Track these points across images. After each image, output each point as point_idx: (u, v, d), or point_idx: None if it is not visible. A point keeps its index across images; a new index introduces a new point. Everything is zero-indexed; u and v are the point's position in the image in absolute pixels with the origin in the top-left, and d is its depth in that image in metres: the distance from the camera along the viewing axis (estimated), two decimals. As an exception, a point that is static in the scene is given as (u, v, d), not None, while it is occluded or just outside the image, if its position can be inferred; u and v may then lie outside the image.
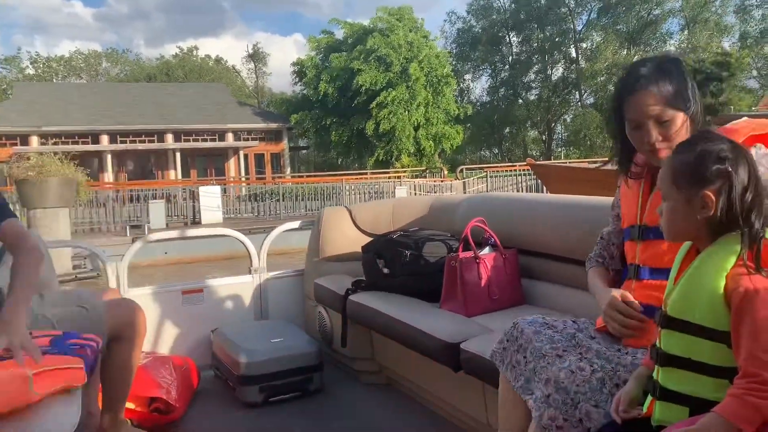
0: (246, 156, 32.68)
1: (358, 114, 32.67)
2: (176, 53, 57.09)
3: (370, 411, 2.90)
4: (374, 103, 31.42)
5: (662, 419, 1.30)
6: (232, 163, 32.07)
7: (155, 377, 2.77)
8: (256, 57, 57.35)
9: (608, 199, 2.09)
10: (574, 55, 45.41)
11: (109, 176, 28.89)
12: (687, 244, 1.38)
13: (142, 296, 3.26)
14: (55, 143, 25.23)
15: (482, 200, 3.37)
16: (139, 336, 2.34)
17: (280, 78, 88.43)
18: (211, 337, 3.34)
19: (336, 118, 33.49)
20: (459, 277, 2.61)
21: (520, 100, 46.70)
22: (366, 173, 28.70)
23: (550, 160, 35.33)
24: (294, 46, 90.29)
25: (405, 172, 27.52)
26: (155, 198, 18.30)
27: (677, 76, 1.63)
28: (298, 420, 2.81)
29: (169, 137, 30.75)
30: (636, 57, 37.76)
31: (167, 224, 16.99)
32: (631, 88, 1.63)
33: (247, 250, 3.60)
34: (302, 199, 20.92)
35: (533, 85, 47.07)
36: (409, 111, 32.26)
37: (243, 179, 30.25)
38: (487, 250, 2.71)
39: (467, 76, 48.64)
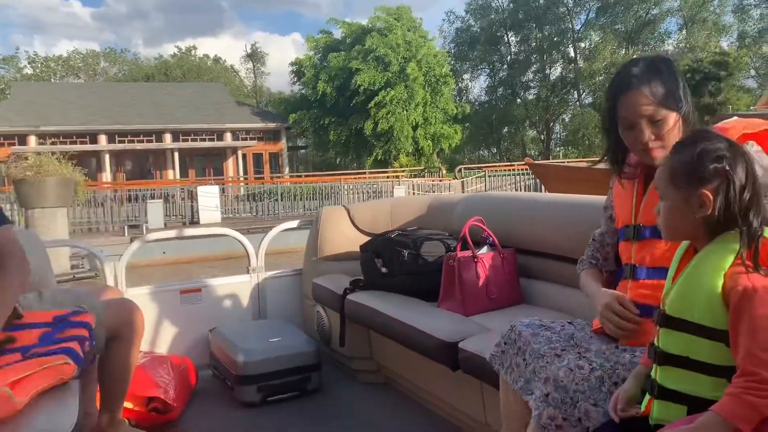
0: (244, 156, 32.67)
1: (356, 114, 32.67)
2: (174, 53, 57.19)
3: (368, 410, 2.90)
4: (372, 102, 31.44)
5: (660, 418, 1.30)
6: (230, 163, 32.06)
7: (153, 377, 2.77)
8: (254, 57, 57.39)
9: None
10: (572, 54, 45.49)
11: (107, 176, 28.88)
12: (685, 243, 1.38)
13: (141, 296, 3.26)
14: (53, 143, 25.24)
15: (480, 200, 3.37)
16: (137, 335, 2.34)
17: (279, 78, 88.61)
18: (209, 337, 3.33)
19: (334, 117, 33.49)
20: (457, 277, 2.61)
21: (519, 100, 46.74)
22: (364, 173, 28.71)
23: (549, 159, 35.34)
24: (292, 46, 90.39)
25: (403, 171, 27.53)
26: (153, 198, 18.31)
27: (669, 76, 1.64)
28: (296, 419, 2.80)
29: (168, 137, 30.74)
30: (634, 56, 37.79)
31: (165, 224, 16.97)
32: (624, 87, 1.64)
33: (246, 250, 3.59)
34: (300, 199, 20.93)
35: (532, 84, 47.15)
36: (407, 111, 32.27)
37: (241, 179, 30.25)
38: (485, 249, 2.72)
39: (465, 76, 48.73)
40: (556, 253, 2.58)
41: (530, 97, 47.01)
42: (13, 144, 27.99)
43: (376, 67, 31.72)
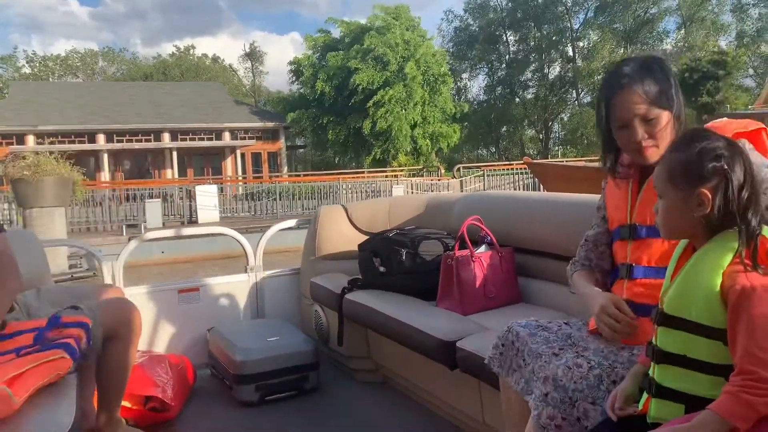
0: (243, 155, 32.65)
1: (355, 113, 32.65)
2: (173, 52, 57.13)
3: (366, 409, 2.90)
4: (371, 102, 31.41)
5: (658, 416, 1.30)
6: (229, 162, 32.04)
7: (151, 376, 2.77)
8: (252, 56, 57.34)
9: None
10: (571, 53, 45.48)
11: (105, 175, 28.85)
12: (683, 242, 1.38)
13: (139, 295, 3.25)
14: (51, 142, 25.15)
15: (478, 199, 3.37)
16: (135, 335, 2.34)
17: (277, 77, 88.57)
18: (208, 336, 3.33)
19: (333, 117, 33.46)
20: (455, 276, 2.61)
21: (517, 99, 46.74)
22: (363, 172, 28.71)
23: (547, 158, 35.33)
24: (291, 45, 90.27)
25: (402, 171, 27.51)
26: (152, 197, 18.28)
27: (661, 75, 1.64)
28: (294, 419, 2.80)
29: (166, 136, 30.71)
30: (634, 55, 37.77)
31: (164, 223, 16.97)
32: (616, 87, 1.64)
33: (244, 249, 3.59)
34: (299, 198, 20.92)
35: (530, 83, 47.14)
36: (405, 110, 32.26)
37: (240, 178, 30.23)
38: (483, 248, 2.71)
39: (464, 75, 48.72)
40: (555, 252, 2.58)
41: (529, 96, 47.00)
42: (11, 143, 27.95)
43: (375, 67, 31.69)
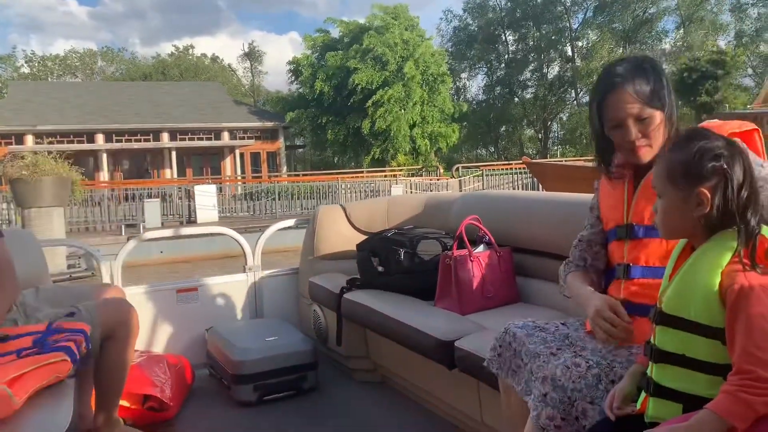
0: (242, 155, 32.65)
1: (354, 113, 32.65)
2: (172, 52, 57.03)
3: (364, 409, 2.90)
4: (370, 101, 31.41)
5: (655, 416, 1.30)
6: (228, 162, 32.04)
7: (149, 376, 2.77)
8: (251, 56, 57.31)
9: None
10: (570, 53, 45.48)
11: (104, 175, 28.83)
12: (682, 242, 1.38)
13: (137, 295, 3.25)
14: (50, 142, 25.06)
15: (477, 198, 3.37)
16: (132, 335, 2.34)
17: (276, 77, 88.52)
18: (206, 336, 3.33)
19: (332, 116, 33.46)
20: (453, 275, 2.61)
21: (516, 99, 46.74)
22: (362, 172, 28.69)
23: (546, 158, 35.34)
24: (290, 45, 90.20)
25: (401, 170, 27.51)
26: (150, 197, 18.27)
27: (654, 75, 1.64)
28: (292, 419, 2.80)
29: (165, 136, 30.69)
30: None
31: (163, 223, 16.96)
32: (610, 87, 1.65)
33: (242, 249, 3.59)
34: (298, 198, 20.92)
35: (529, 83, 47.14)
36: (405, 110, 32.26)
37: (239, 178, 30.22)
38: (481, 248, 2.71)
39: (463, 75, 48.72)
40: (553, 251, 2.58)
41: (528, 96, 47.01)
42: (10, 143, 27.94)
43: (374, 66, 31.69)
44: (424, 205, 3.58)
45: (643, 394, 1.35)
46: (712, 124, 1.66)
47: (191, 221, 18.05)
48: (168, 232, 5.68)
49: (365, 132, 32.29)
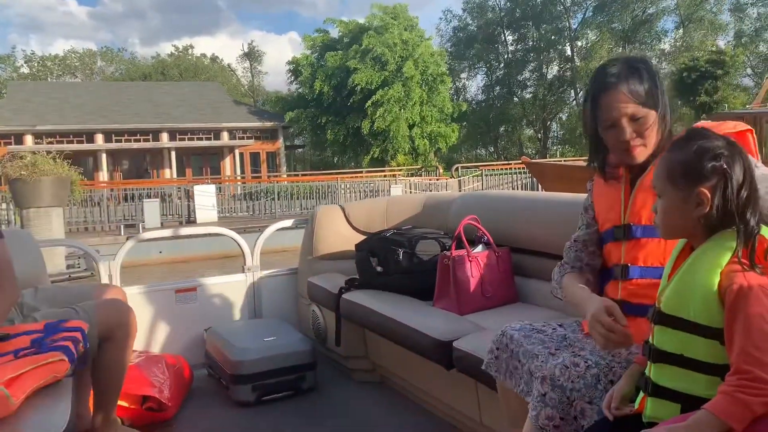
0: (241, 155, 32.63)
1: (353, 113, 32.65)
2: (172, 52, 56.97)
3: (363, 409, 2.89)
4: (370, 101, 31.40)
5: (653, 416, 1.30)
6: (227, 162, 32.03)
7: (148, 376, 2.77)
8: (251, 56, 57.30)
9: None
10: (569, 53, 45.49)
11: (104, 175, 28.82)
12: (682, 242, 1.38)
13: (136, 295, 3.25)
14: (49, 142, 25.18)
15: (475, 198, 3.37)
16: (131, 336, 2.34)
17: (276, 77, 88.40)
18: (205, 336, 3.32)
19: (332, 116, 33.46)
20: (452, 275, 2.61)
21: (516, 99, 46.75)
22: (361, 172, 28.67)
23: (546, 158, 35.35)
24: (289, 45, 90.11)
25: (400, 170, 27.50)
26: (150, 197, 18.26)
27: (647, 75, 1.64)
28: (291, 419, 2.80)
29: (165, 136, 30.68)
30: (631, 53, 37.83)
31: (162, 223, 16.95)
32: (603, 87, 1.64)
33: (241, 249, 3.59)
34: (297, 198, 20.90)
35: (528, 83, 47.16)
36: (404, 110, 32.26)
37: (238, 178, 30.21)
38: (480, 248, 2.71)
39: (463, 75, 48.72)
40: (552, 251, 2.57)
41: (527, 95, 47.01)
42: (10, 143, 27.92)
43: (373, 66, 31.69)
44: (422, 205, 3.58)
45: (641, 394, 1.35)
46: (706, 125, 1.66)
47: (190, 221, 18.04)
48: (167, 233, 5.67)
49: (365, 132, 32.29)
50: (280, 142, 34.18)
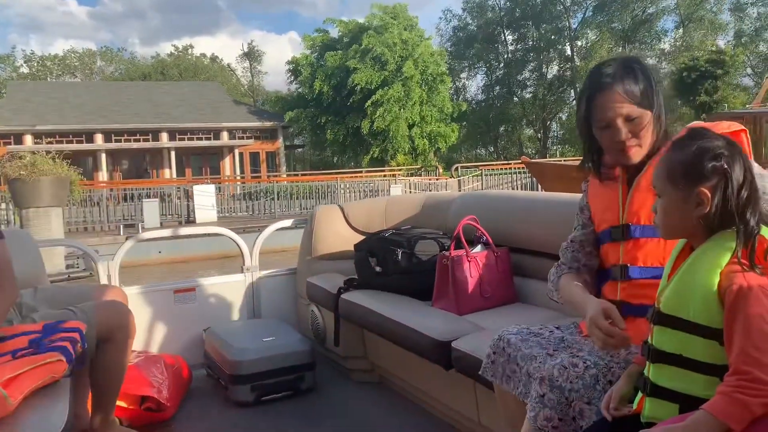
0: (241, 155, 32.63)
1: (353, 112, 32.65)
2: (171, 52, 56.94)
3: (362, 409, 2.89)
4: (369, 101, 31.40)
5: (652, 416, 1.30)
6: (227, 162, 32.02)
7: (147, 376, 2.76)
8: (251, 55, 57.29)
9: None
10: (569, 53, 45.49)
11: (103, 175, 28.81)
12: (681, 242, 1.37)
13: (134, 295, 3.24)
14: (49, 142, 25.17)
15: (475, 198, 3.37)
16: (129, 338, 2.34)
17: (276, 76, 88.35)
18: (203, 336, 3.32)
19: (331, 116, 33.46)
20: (451, 276, 2.61)
21: (516, 99, 46.75)
22: (361, 172, 28.67)
23: (546, 158, 35.34)
24: (289, 45, 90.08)
25: (400, 170, 27.50)
26: (149, 197, 18.25)
27: (642, 76, 1.64)
28: (290, 419, 2.80)
29: (164, 136, 30.67)
30: (632, 54, 37.90)
31: (161, 223, 16.94)
32: (598, 88, 1.64)
33: (240, 249, 3.58)
34: (297, 198, 20.90)
35: (528, 83, 47.16)
36: (404, 109, 32.26)
37: (238, 178, 30.21)
38: (479, 248, 2.71)
39: (463, 75, 48.72)
40: (551, 252, 2.56)
41: (527, 95, 47.01)
42: (9, 143, 27.91)
43: (373, 66, 31.68)
44: (422, 205, 3.57)
45: (639, 395, 1.35)
46: (700, 125, 1.66)
47: (190, 221, 18.04)
48: (165, 233, 5.67)
49: (364, 132, 32.29)
50: (280, 142, 34.17)
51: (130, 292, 3.25)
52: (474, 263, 2.63)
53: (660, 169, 1.34)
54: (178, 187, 19.64)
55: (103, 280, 3.19)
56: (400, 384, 3.00)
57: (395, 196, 11.00)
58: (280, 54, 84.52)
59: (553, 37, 45.44)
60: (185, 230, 7.16)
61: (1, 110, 29.42)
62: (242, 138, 32.46)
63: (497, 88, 47.39)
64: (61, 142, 26.38)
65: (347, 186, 21.33)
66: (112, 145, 29.76)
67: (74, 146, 24.97)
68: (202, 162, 31.96)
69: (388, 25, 32.51)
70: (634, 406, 1.35)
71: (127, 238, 3.60)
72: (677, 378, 1.26)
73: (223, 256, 12.31)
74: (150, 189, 19.71)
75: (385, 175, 24.70)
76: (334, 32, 35.20)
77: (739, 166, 1.24)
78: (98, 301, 2.36)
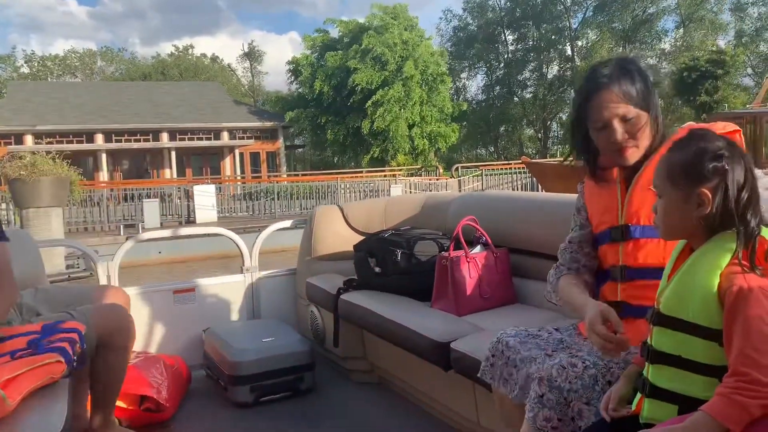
0: (241, 155, 32.64)
1: (353, 112, 32.65)
2: (172, 52, 56.93)
3: (361, 410, 2.89)
4: (370, 101, 31.40)
5: (650, 417, 1.29)
6: (227, 162, 32.03)
7: (146, 376, 2.76)
8: (251, 55, 57.29)
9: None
10: (569, 53, 45.49)
11: (104, 175, 28.82)
12: (681, 243, 1.37)
13: (134, 296, 3.24)
14: (49, 142, 25.15)
15: (474, 199, 3.36)
16: (129, 341, 2.33)
17: (276, 77, 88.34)
18: (203, 337, 3.32)
19: (332, 116, 33.47)
20: (450, 276, 2.60)
21: (516, 99, 46.76)
22: (361, 172, 28.67)
23: (546, 158, 35.34)
24: (290, 45, 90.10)
25: (401, 170, 27.50)
26: (150, 197, 18.26)
27: (638, 76, 1.64)
28: (289, 420, 2.79)
29: (165, 136, 30.68)
30: (632, 55, 37.94)
31: (162, 223, 16.94)
32: (595, 88, 1.64)
33: (239, 250, 3.58)
34: (297, 198, 20.90)
35: (529, 83, 47.16)
36: (404, 109, 32.26)
37: (238, 178, 30.21)
38: (478, 248, 2.71)
39: (463, 75, 48.72)
40: (550, 252, 2.56)
41: (527, 95, 47.02)
42: (10, 143, 27.92)
43: (373, 66, 31.69)
44: (421, 205, 3.57)
45: (638, 395, 1.35)
46: (695, 127, 1.65)
47: (190, 221, 18.04)
48: (165, 233, 5.65)
49: (365, 132, 32.29)
50: (280, 142, 34.18)
51: (130, 292, 3.24)
52: (473, 264, 2.62)
53: (660, 170, 1.33)
54: (179, 188, 19.65)
55: (103, 281, 3.19)
56: (400, 385, 3.00)
57: (395, 196, 11.00)
58: (280, 54, 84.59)
59: (553, 37, 45.44)
60: (185, 230, 7.16)
61: (2, 110, 29.43)
62: (243, 138, 32.47)
63: (497, 88, 47.39)
64: (61, 142, 26.40)
65: (347, 186, 21.32)
66: (113, 145, 29.76)
67: (75, 146, 25.00)
68: (203, 162, 31.97)
69: (388, 26, 32.51)
70: (633, 407, 1.35)
71: (127, 239, 3.60)
72: (676, 379, 1.26)
73: (223, 256, 12.31)
74: (150, 189, 19.71)
75: (385, 175, 24.70)
76: (335, 32, 35.23)
77: (740, 167, 1.24)
78: (97, 305, 2.35)
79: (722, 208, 1.23)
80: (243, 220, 17.91)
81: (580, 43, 45.39)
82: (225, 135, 32.13)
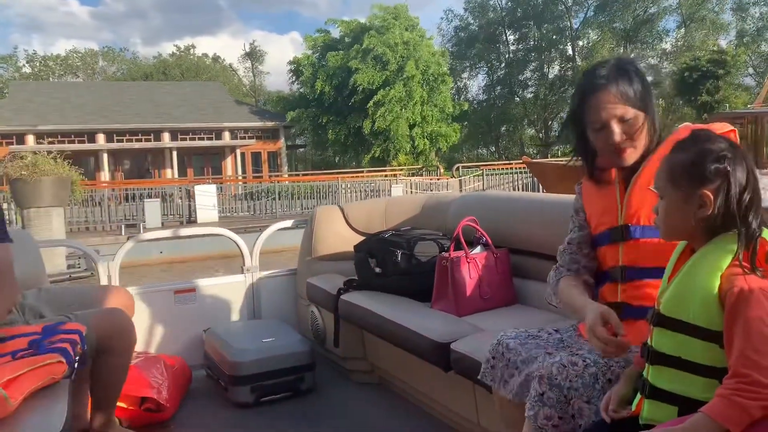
0: (243, 155, 32.64)
1: (355, 112, 32.64)
2: (173, 52, 56.93)
3: (361, 411, 2.89)
4: (371, 101, 31.40)
5: (650, 418, 1.29)
6: (228, 162, 32.04)
7: (147, 377, 2.76)
8: (252, 55, 57.31)
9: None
10: (570, 53, 45.47)
11: (105, 175, 28.84)
12: (682, 244, 1.37)
13: (135, 296, 3.23)
14: (50, 142, 25.18)
15: (474, 199, 3.36)
16: (130, 345, 2.33)
17: (277, 77, 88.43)
18: (203, 337, 3.32)
19: (333, 116, 33.46)
20: (450, 277, 2.60)
21: (517, 99, 46.73)
22: (362, 172, 28.66)
23: (547, 158, 35.32)
24: (291, 45, 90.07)
25: (401, 170, 27.49)
26: (151, 197, 18.27)
27: (636, 77, 1.63)
28: (289, 420, 2.79)
29: (166, 136, 30.69)
30: (632, 55, 37.96)
31: (163, 223, 16.96)
32: (592, 89, 1.63)
33: (240, 250, 3.58)
34: (298, 198, 20.91)
35: (530, 83, 47.13)
36: (405, 109, 32.25)
37: (240, 178, 30.22)
38: (478, 249, 2.70)
39: (464, 75, 48.70)
40: (550, 253, 2.55)
41: (528, 95, 46.98)
42: (11, 143, 27.93)
43: (375, 66, 31.68)
44: (422, 205, 3.57)
45: (638, 396, 1.35)
46: (691, 128, 1.65)
47: (191, 221, 18.05)
48: (166, 233, 5.64)
49: (366, 132, 32.29)
50: (282, 142, 34.18)
51: (131, 292, 3.24)
52: (473, 264, 2.62)
53: (662, 170, 1.33)
54: (180, 187, 19.67)
55: (104, 281, 3.19)
56: (400, 385, 3.00)
57: (395, 196, 11.01)
58: (281, 54, 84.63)
59: (554, 36, 45.42)
60: (186, 231, 7.16)
61: (3, 110, 29.44)
62: (244, 138, 32.47)
63: (498, 87, 47.37)
64: (63, 142, 26.42)
65: (348, 186, 21.34)
66: (114, 145, 29.78)
67: (76, 146, 25.04)
68: (204, 162, 31.98)
69: (389, 26, 32.50)
70: (633, 407, 1.35)
71: (128, 239, 3.60)
72: (676, 380, 1.26)
73: (224, 256, 12.32)
74: (151, 189, 19.73)
75: (386, 175, 24.70)
76: (336, 32, 35.22)
77: (742, 169, 1.24)
78: (98, 309, 2.35)
79: (724, 209, 1.23)
80: (244, 220, 17.92)
81: (581, 43, 45.38)
82: (226, 135, 32.14)
